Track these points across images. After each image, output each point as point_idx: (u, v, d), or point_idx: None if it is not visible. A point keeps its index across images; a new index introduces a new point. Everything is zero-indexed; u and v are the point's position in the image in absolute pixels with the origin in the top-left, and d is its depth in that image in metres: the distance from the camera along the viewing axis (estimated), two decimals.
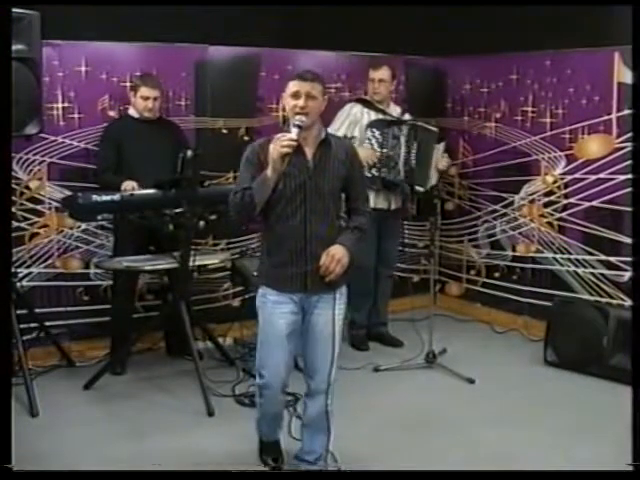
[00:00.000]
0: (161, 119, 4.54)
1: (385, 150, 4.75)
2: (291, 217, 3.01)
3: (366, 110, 4.81)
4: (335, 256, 3.00)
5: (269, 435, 3.47)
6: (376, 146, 4.75)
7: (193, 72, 4.85)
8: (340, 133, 4.71)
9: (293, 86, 2.98)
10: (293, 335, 3.09)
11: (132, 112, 4.46)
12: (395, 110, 4.91)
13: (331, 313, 3.08)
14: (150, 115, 4.41)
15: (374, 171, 4.76)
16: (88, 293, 4.75)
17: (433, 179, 4.87)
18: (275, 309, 3.06)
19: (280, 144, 2.83)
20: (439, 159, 4.87)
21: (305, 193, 3.00)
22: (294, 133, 2.89)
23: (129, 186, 4.14)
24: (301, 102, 2.94)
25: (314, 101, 2.97)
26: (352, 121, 4.80)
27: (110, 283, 4.68)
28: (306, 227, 3.01)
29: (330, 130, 4.52)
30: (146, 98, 4.37)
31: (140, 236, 4.42)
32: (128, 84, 4.57)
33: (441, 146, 4.90)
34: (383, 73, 4.78)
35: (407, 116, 4.94)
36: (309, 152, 3.04)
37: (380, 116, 4.82)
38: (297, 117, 2.93)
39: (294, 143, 2.86)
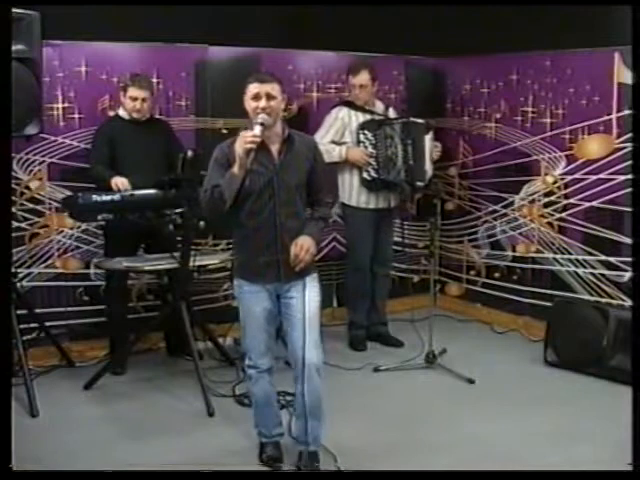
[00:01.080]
0: (152, 119, 4.51)
1: (380, 151, 4.74)
2: (260, 212, 3.19)
3: (353, 112, 4.78)
4: (304, 246, 3.15)
5: (268, 434, 3.48)
6: (370, 148, 4.74)
7: (193, 72, 4.85)
8: (327, 140, 4.71)
9: (254, 88, 3.14)
10: (270, 318, 3.29)
11: (122, 113, 4.44)
12: (379, 107, 4.89)
13: (302, 297, 3.21)
14: (138, 116, 4.39)
15: (372, 173, 4.76)
16: (88, 293, 4.75)
17: (429, 171, 4.81)
18: (251, 298, 3.26)
19: (244, 140, 3.04)
20: (432, 149, 4.80)
21: (273, 188, 3.18)
22: (257, 130, 3.07)
23: (119, 182, 4.14)
24: (262, 103, 3.11)
25: (275, 101, 3.14)
26: (340, 127, 4.78)
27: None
28: (275, 221, 3.18)
29: (317, 137, 4.59)
30: (134, 99, 4.34)
31: (131, 236, 4.42)
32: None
33: (430, 135, 4.80)
34: (362, 78, 4.72)
35: (391, 111, 4.91)
36: (274, 149, 3.21)
37: (368, 117, 4.79)
38: (260, 116, 3.09)
39: (257, 139, 3.05)
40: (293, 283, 3.23)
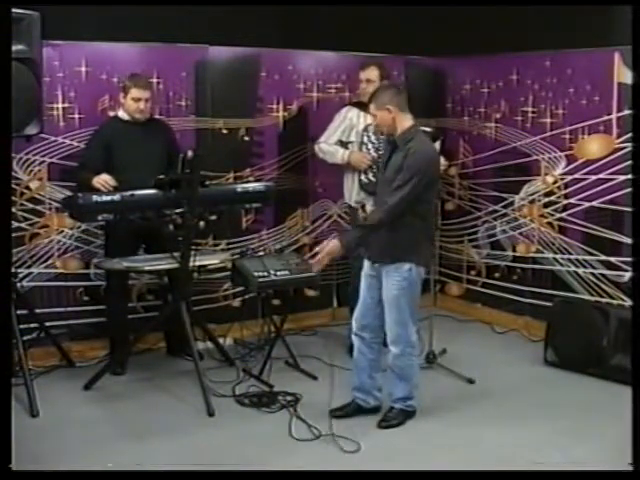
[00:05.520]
0: (151, 120, 4.50)
1: (382, 154, 4.70)
2: None
3: (362, 114, 4.74)
4: (324, 247, 3.69)
5: (354, 392, 3.94)
6: (372, 151, 4.71)
7: (193, 72, 4.84)
8: (334, 139, 4.72)
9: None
10: (371, 290, 3.82)
11: (121, 114, 4.43)
12: None
13: (389, 281, 3.71)
14: (141, 117, 4.38)
15: (370, 176, 4.73)
16: (88, 293, 4.75)
17: None
18: (363, 271, 3.90)
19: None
20: None
21: None
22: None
23: (101, 180, 4.14)
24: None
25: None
26: (348, 126, 4.75)
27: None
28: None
29: (324, 136, 4.60)
30: (138, 99, 4.33)
31: (131, 237, 4.42)
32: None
33: (436, 146, 4.68)
34: (370, 73, 4.69)
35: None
36: None
37: None
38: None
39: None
40: (380, 266, 3.74)
